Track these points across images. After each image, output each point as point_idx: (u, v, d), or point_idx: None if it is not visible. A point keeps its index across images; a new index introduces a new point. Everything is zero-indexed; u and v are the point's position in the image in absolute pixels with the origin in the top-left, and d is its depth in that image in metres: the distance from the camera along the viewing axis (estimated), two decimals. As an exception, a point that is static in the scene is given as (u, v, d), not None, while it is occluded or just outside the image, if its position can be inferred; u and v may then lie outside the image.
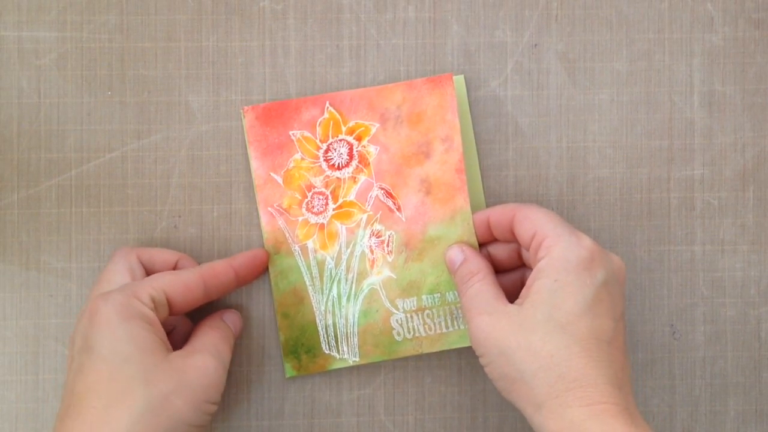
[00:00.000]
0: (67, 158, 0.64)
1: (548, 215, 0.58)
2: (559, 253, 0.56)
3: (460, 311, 0.63)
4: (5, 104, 0.64)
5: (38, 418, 0.64)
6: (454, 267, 0.61)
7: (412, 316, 0.64)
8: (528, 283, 0.57)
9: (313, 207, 0.63)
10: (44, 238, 0.64)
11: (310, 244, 0.63)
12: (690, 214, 0.66)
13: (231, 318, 0.62)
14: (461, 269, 0.61)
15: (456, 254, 0.62)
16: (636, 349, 0.66)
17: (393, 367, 0.65)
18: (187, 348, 0.58)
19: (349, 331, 0.64)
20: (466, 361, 0.65)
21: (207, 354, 0.57)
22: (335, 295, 0.63)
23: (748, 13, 0.66)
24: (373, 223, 0.63)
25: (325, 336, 0.64)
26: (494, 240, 0.63)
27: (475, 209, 0.63)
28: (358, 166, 0.63)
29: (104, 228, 0.64)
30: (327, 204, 0.63)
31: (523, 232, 0.59)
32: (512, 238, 0.61)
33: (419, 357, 0.65)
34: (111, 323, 0.55)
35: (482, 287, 0.58)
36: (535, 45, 0.65)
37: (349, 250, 0.63)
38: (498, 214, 0.61)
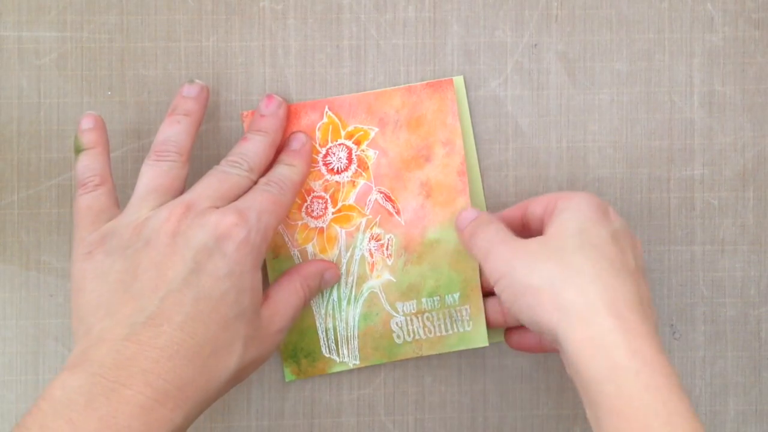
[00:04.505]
0: (67, 158, 0.64)
1: (556, 192, 0.60)
2: (577, 201, 0.56)
3: (459, 314, 0.63)
4: (5, 104, 0.64)
5: (39, 417, 0.64)
6: (466, 222, 0.60)
7: (411, 319, 0.64)
8: (546, 222, 0.57)
9: (312, 211, 0.63)
10: (44, 238, 0.64)
11: (309, 248, 0.63)
12: (690, 214, 0.66)
13: (330, 276, 0.62)
14: (477, 219, 0.59)
15: (470, 212, 0.61)
16: (636, 349, 0.66)
17: (393, 367, 0.65)
18: (276, 320, 0.58)
19: (349, 335, 0.64)
20: (466, 361, 0.65)
21: (282, 334, 0.58)
22: (335, 299, 0.63)
23: (748, 13, 0.65)
24: (372, 227, 0.63)
25: (325, 340, 0.64)
26: None
27: (474, 210, 0.63)
28: (357, 170, 0.63)
29: (104, 228, 0.64)
30: (326, 208, 0.63)
31: (535, 211, 0.59)
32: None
33: (419, 357, 0.65)
34: (245, 272, 0.55)
35: (501, 227, 0.58)
36: (535, 45, 0.65)
37: (348, 254, 0.63)
38: (509, 215, 0.61)
